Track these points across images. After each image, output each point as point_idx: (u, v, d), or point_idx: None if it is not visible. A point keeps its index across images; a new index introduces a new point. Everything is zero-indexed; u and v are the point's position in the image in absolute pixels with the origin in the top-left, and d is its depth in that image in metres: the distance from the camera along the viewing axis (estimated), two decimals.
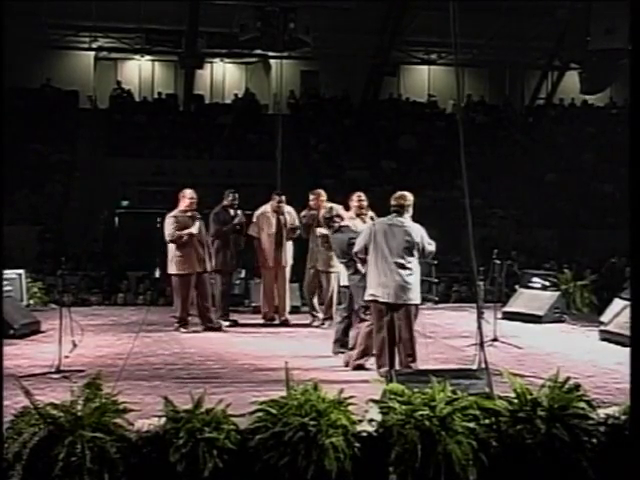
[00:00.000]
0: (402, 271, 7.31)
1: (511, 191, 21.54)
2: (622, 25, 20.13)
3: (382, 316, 7.40)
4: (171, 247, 10.04)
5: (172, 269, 10.06)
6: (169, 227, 9.96)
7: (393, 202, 7.52)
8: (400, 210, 7.47)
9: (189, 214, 10.07)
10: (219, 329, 10.33)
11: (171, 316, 11.32)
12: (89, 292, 14.89)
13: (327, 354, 8.69)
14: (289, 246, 10.96)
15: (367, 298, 7.52)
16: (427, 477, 5.34)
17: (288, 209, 11.02)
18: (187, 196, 10.11)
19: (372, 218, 8.85)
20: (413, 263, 7.40)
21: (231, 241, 10.79)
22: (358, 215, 8.90)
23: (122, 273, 16.33)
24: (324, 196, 10.63)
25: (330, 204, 10.45)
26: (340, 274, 8.83)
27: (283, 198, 10.95)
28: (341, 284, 8.84)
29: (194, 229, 9.95)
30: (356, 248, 7.67)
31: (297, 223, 10.90)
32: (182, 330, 10.12)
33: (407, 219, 7.49)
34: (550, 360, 8.42)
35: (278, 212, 10.83)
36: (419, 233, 7.44)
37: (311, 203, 10.66)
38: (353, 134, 24.17)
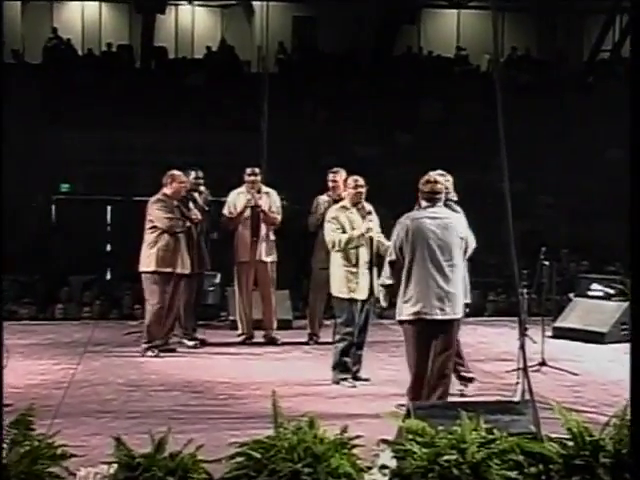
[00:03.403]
0: (453, 277, 7.34)
1: (564, 172, 21.53)
2: None
3: (423, 337, 7.37)
4: (148, 239, 10.16)
5: (148, 265, 10.16)
6: (162, 213, 10.16)
7: (426, 189, 7.45)
8: (435, 198, 7.44)
9: (175, 203, 10.31)
10: (173, 350, 10.38)
11: (127, 333, 11.35)
12: (18, 302, 14.88)
13: (326, 381, 8.73)
14: (269, 238, 10.97)
15: (406, 318, 7.38)
16: None
17: (267, 189, 11.10)
18: (176, 180, 10.36)
19: (369, 212, 8.79)
20: (461, 265, 7.46)
21: (201, 234, 10.82)
22: (354, 205, 8.79)
23: (62, 278, 16.32)
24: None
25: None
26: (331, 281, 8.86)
27: (257, 170, 11.01)
28: (335, 294, 8.86)
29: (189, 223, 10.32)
30: (393, 255, 7.43)
31: (278, 208, 11.02)
32: (150, 353, 10.11)
33: (444, 208, 7.52)
34: (616, 391, 8.43)
35: (252, 192, 10.87)
36: (465, 225, 7.52)
37: (331, 184, 10.69)
38: (361, 99, 24.13)
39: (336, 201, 10.17)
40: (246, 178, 11.01)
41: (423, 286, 7.32)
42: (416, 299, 7.33)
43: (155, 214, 10.20)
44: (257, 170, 11.07)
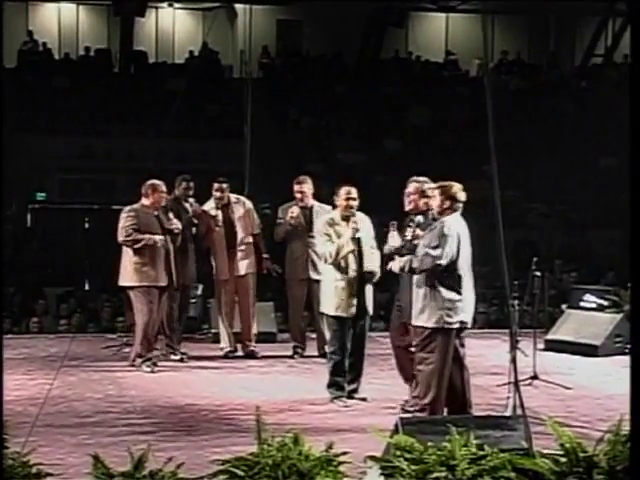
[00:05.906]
0: None
1: (557, 180, 21.60)
2: None
3: (451, 347, 7.49)
4: (128, 251, 10.14)
5: (129, 280, 10.14)
6: (124, 222, 10.11)
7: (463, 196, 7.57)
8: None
9: (155, 213, 10.26)
10: (155, 364, 10.34)
11: (105, 347, 11.31)
12: None
13: (311, 396, 8.71)
14: (247, 248, 10.93)
15: (449, 326, 7.43)
16: None
17: (235, 197, 11.08)
18: (157, 190, 10.30)
19: (353, 214, 8.67)
20: None
21: (188, 246, 10.81)
22: (344, 218, 8.65)
23: (37, 289, 16.24)
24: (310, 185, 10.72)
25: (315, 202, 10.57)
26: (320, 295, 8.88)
27: (224, 186, 10.90)
28: (321, 310, 8.84)
29: (158, 238, 10.13)
30: (446, 259, 7.36)
31: (256, 219, 11.00)
32: (146, 368, 10.07)
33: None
34: (610, 405, 8.45)
35: (223, 204, 10.84)
36: None
37: (298, 195, 10.72)
38: (347, 105, 24.19)
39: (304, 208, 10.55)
40: (214, 194, 10.86)
41: (468, 295, 7.49)
42: (461, 308, 7.45)
43: (119, 225, 10.14)
44: (224, 186, 10.83)
